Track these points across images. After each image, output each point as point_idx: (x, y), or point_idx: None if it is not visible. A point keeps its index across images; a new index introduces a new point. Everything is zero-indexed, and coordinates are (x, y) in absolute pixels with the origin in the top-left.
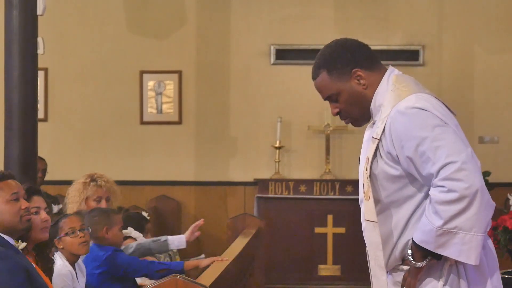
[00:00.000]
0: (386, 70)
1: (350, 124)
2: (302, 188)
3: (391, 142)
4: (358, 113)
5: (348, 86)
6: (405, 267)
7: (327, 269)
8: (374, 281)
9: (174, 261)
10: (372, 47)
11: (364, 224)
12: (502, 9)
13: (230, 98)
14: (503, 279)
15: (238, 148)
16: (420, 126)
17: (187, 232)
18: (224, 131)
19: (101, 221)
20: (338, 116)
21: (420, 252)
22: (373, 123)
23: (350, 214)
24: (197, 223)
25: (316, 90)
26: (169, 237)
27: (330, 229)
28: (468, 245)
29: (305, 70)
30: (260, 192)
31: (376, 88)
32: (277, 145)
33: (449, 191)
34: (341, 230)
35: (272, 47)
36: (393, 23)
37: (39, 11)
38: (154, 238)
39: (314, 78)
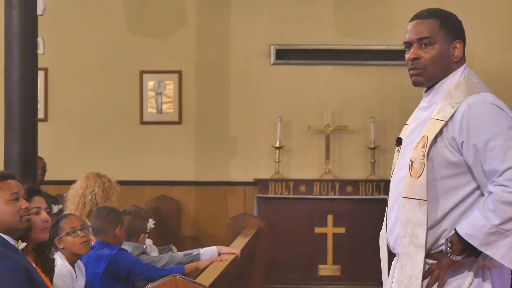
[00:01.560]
0: (464, 63)
1: (349, 125)
2: (302, 188)
3: (459, 128)
4: (432, 72)
5: (446, 46)
6: (430, 261)
7: (327, 269)
8: (404, 260)
9: (175, 266)
10: (372, 47)
11: (399, 202)
12: (502, 9)
13: (230, 98)
14: None
15: (238, 148)
16: (497, 122)
17: (223, 247)
18: (224, 131)
19: (115, 220)
20: (338, 115)
21: (461, 245)
22: (428, 105)
23: (350, 214)
24: (236, 252)
25: (412, 28)
26: (201, 250)
27: (330, 229)
28: None
29: (305, 70)
30: (260, 192)
31: (454, 70)
32: (277, 145)
33: None
34: (341, 230)
35: (272, 47)
36: (393, 23)
37: (39, 11)
38: (186, 252)
39: (421, 17)
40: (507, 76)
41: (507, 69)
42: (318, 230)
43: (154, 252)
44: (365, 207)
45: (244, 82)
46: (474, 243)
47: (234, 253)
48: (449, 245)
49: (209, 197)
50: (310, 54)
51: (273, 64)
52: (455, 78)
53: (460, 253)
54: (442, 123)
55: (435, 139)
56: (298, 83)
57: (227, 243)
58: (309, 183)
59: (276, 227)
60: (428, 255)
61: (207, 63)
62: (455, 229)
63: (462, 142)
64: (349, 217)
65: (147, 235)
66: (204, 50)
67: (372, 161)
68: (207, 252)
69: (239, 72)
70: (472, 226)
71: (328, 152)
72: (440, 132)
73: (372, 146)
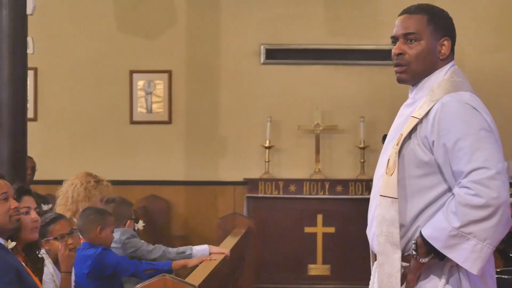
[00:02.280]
0: (451, 61)
1: (339, 125)
2: (292, 187)
3: (432, 127)
4: (417, 69)
5: (432, 44)
6: (404, 264)
7: (316, 269)
8: (382, 259)
9: (162, 261)
10: (362, 47)
11: (377, 200)
12: (493, 9)
13: (220, 97)
14: None
15: (228, 148)
16: (468, 123)
17: (214, 248)
18: (214, 130)
19: (95, 221)
20: (328, 115)
21: (426, 248)
22: (412, 102)
23: (340, 213)
24: (226, 252)
25: (399, 23)
26: (194, 250)
27: (319, 229)
28: (477, 254)
29: (295, 70)
30: (250, 192)
31: (440, 68)
32: (267, 144)
33: (476, 195)
34: (331, 229)
35: (262, 47)
36: (383, 22)
37: (28, 10)
38: (180, 250)
39: (410, 12)
40: (498, 76)
41: (498, 68)
42: (308, 229)
43: None
44: (355, 206)
45: (234, 82)
46: (437, 245)
47: (223, 253)
48: (414, 247)
49: (199, 197)
50: (300, 54)
51: (263, 63)
52: (440, 75)
53: (426, 256)
54: (417, 120)
55: (409, 137)
56: (288, 83)
57: (217, 243)
58: (299, 182)
59: (266, 227)
60: (403, 257)
61: (197, 63)
62: (420, 231)
63: (433, 141)
64: (339, 217)
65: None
66: (194, 49)
67: (362, 160)
68: (199, 252)
69: (229, 72)
70: (435, 228)
71: (318, 151)
72: (414, 130)
73: (362, 145)
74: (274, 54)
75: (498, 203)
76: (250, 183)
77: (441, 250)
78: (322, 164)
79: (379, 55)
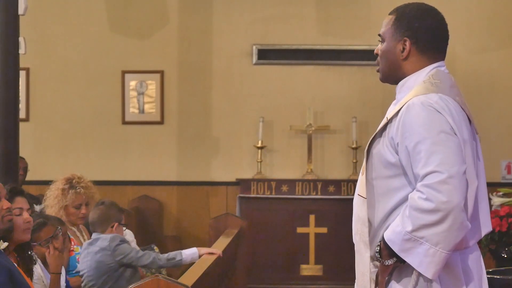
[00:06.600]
0: (437, 61)
1: (331, 125)
2: (284, 188)
3: (397, 129)
4: (383, 69)
5: (393, 44)
6: (376, 263)
7: (309, 269)
8: (357, 257)
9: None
10: (354, 47)
11: (356, 198)
12: (483, 9)
13: (212, 98)
14: None
15: (220, 148)
16: (428, 126)
17: (203, 249)
18: (206, 131)
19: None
20: (320, 115)
21: (387, 250)
22: (396, 101)
23: (332, 214)
24: (217, 252)
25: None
26: (183, 255)
27: (312, 229)
28: (430, 258)
29: (287, 70)
30: (242, 192)
31: (416, 69)
32: (259, 145)
33: (427, 199)
34: (323, 230)
35: (254, 47)
36: (375, 23)
37: (20, 10)
38: (170, 256)
39: (389, 13)
40: (488, 76)
41: (488, 68)
42: (300, 230)
43: (130, 237)
44: (347, 207)
45: (226, 82)
46: (395, 249)
47: (214, 253)
48: (377, 249)
49: (191, 197)
50: (292, 54)
51: (255, 64)
52: (420, 76)
53: (389, 258)
54: (386, 121)
55: (379, 137)
56: (280, 83)
57: (210, 243)
58: (291, 183)
59: (258, 227)
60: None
61: (189, 63)
62: (383, 234)
63: (398, 142)
64: (331, 217)
65: (125, 228)
66: (186, 50)
67: (354, 161)
68: (189, 256)
69: (221, 72)
70: (393, 231)
71: (310, 152)
72: (384, 130)
73: (354, 146)
74: (266, 55)
75: (448, 207)
76: (243, 184)
77: (398, 254)
78: (314, 165)
79: (371, 55)
